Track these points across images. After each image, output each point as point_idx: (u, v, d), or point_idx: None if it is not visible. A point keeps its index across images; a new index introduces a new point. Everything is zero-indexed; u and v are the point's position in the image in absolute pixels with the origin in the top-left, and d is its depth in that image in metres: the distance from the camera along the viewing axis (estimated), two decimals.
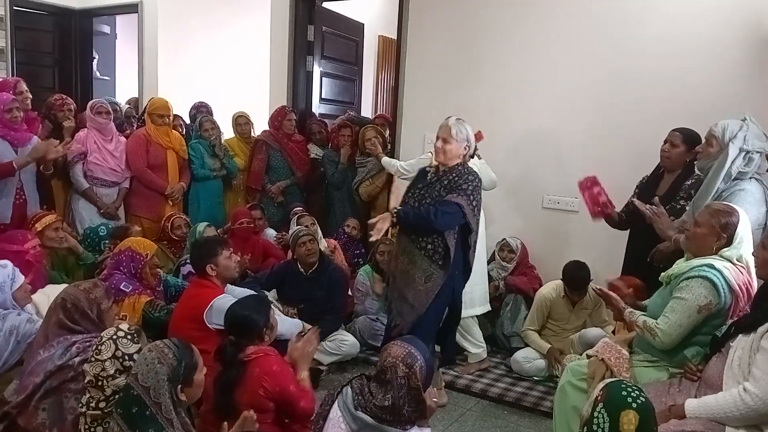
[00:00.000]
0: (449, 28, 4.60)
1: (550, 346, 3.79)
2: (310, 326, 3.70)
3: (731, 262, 2.41)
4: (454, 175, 3.04)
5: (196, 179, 4.96)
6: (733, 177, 2.76)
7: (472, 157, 3.16)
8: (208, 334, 2.96)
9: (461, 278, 3.21)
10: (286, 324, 3.35)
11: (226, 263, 3.17)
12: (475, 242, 3.18)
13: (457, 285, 3.20)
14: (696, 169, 3.09)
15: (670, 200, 3.20)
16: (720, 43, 3.71)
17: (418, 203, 3.09)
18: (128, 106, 5.92)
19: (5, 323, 2.70)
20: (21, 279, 2.88)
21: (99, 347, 2.11)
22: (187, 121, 5.62)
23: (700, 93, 3.72)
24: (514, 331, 4.11)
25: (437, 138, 3.08)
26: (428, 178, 3.15)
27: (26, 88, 4.22)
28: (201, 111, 5.48)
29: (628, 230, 3.52)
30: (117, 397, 2.04)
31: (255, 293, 3.32)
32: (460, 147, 3.04)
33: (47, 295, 2.91)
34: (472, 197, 2.99)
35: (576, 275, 3.71)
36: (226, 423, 2.21)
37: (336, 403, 2.20)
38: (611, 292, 2.74)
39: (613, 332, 3.44)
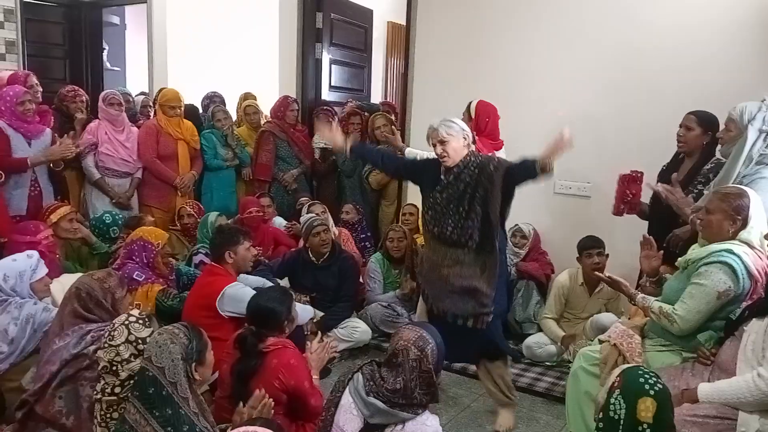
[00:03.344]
0: (459, 12, 4.56)
1: (564, 333, 3.79)
2: (322, 313, 3.75)
3: (750, 246, 2.38)
4: (473, 167, 2.92)
5: (209, 169, 4.99)
6: (754, 160, 2.69)
7: (474, 142, 3.08)
8: (221, 321, 3.00)
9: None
10: (297, 310, 3.37)
11: (245, 254, 3.21)
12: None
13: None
14: (716, 154, 3.04)
15: (687, 185, 3.14)
16: (734, 25, 3.66)
17: (443, 207, 2.97)
18: (144, 96, 5.95)
19: (22, 311, 2.74)
20: (43, 272, 2.91)
21: (112, 333, 2.14)
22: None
23: (714, 76, 3.68)
24: (526, 317, 4.11)
25: (434, 146, 2.99)
26: (443, 178, 3.01)
27: (36, 81, 4.25)
28: (214, 101, 5.50)
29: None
30: (132, 381, 2.07)
31: (280, 285, 3.37)
32: (459, 140, 2.94)
33: (63, 285, 2.93)
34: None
35: (589, 240, 3.75)
36: (241, 404, 2.24)
37: (347, 389, 2.20)
38: (620, 279, 2.73)
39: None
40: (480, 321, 2.97)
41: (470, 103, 3.88)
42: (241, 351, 2.48)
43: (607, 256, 3.72)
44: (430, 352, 2.15)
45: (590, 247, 3.74)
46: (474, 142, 3.09)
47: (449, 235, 2.98)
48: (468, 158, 2.96)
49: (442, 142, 2.94)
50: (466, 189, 2.92)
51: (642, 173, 3.24)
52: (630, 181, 3.24)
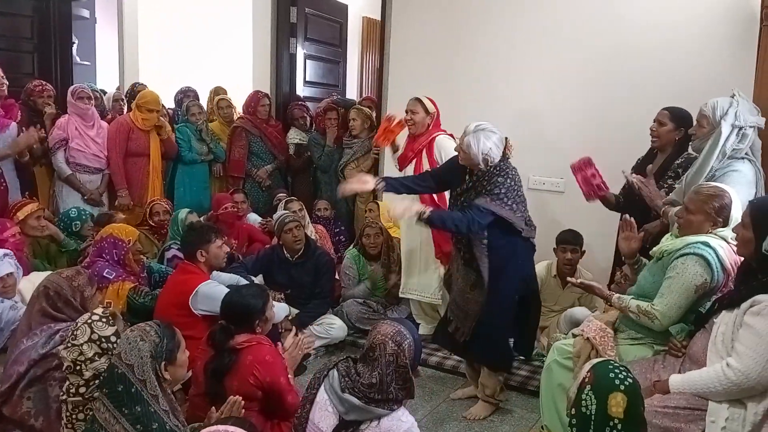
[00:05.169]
0: (434, 8, 4.56)
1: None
2: (297, 310, 3.72)
3: (726, 241, 2.41)
4: (485, 180, 2.98)
5: (183, 163, 4.94)
6: (728, 155, 2.74)
7: (507, 158, 3.06)
8: (194, 319, 2.97)
9: (526, 264, 3.15)
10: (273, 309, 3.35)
11: (217, 252, 3.18)
12: (532, 229, 3.12)
13: (526, 272, 3.16)
14: (689, 149, 3.09)
15: (659, 179, 3.17)
16: (708, 21, 3.70)
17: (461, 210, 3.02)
18: (117, 91, 5.87)
19: None
20: (3, 270, 2.86)
21: (75, 332, 2.11)
22: (170, 106, 5.58)
23: (689, 71, 3.72)
24: None
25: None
26: (466, 179, 3.09)
27: (2, 75, 4.15)
28: (188, 96, 5.48)
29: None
30: (96, 381, 2.03)
31: (255, 283, 3.34)
32: (472, 158, 2.96)
33: (32, 283, 2.88)
34: (506, 198, 2.93)
35: (567, 233, 3.75)
36: (213, 408, 2.21)
37: (322, 386, 2.19)
38: (594, 283, 2.75)
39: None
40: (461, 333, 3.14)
41: (418, 99, 3.85)
42: (213, 348, 2.46)
43: (584, 252, 3.75)
44: (407, 347, 2.15)
45: (565, 242, 3.76)
46: (506, 157, 3.06)
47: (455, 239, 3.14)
48: (488, 168, 2.98)
49: (463, 150, 2.98)
50: (477, 197, 2.96)
51: (589, 157, 3.35)
52: (585, 166, 3.34)
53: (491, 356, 3.16)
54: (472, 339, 3.12)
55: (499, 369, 3.23)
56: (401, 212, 2.96)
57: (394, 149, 4.04)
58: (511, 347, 3.25)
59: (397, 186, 3.27)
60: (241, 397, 2.21)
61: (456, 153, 3.12)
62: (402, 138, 4.07)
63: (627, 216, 2.87)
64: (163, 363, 1.93)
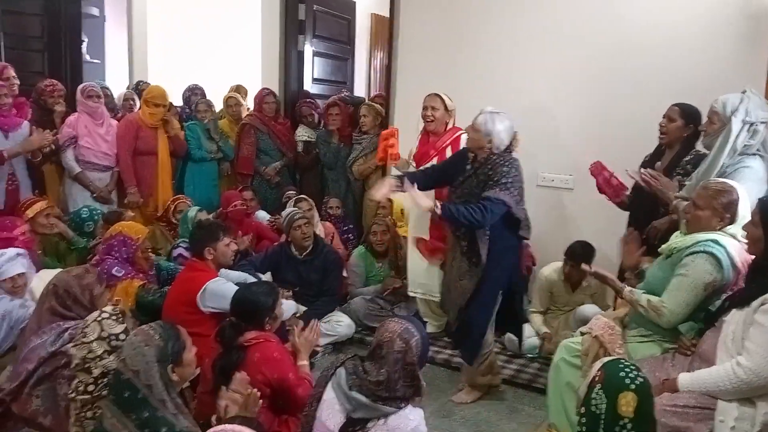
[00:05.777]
0: (442, 4, 4.55)
1: (546, 330, 3.78)
2: (305, 308, 3.73)
3: (735, 239, 2.39)
4: (488, 167, 3.01)
5: (192, 160, 4.95)
6: (738, 151, 2.72)
7: (510, 151, 3.09)
8: (202, 317, 2.97)
9: (515, 261, 3.21)
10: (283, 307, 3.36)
11: (225, 250, 3.19)
12: (528, 228, 3.16)
13: (514, 274, 3.19)
14: (697, 145, 3.07)
15: (667, 176, 3.15)
16: (715, 19, 3.68)
17: (457, 197, 3.08)
18: (127, 90, 5.90)
19: None
20: (13, 271, 2.88)
21: (84, 330, 2.11)
22: (178, 104, 5.60)
23: (692, 68, 3.70)
24: None
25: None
26: (467, 167, 3.14)
27: (14, 74, 4.17)
28: (195, 93, 5.50)
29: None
30: (106, 379, 2.03)
31: (263, 280, 3.35)
32: (482, 139, 3.01)
33: (42, 281, 2.89)
34: (513, 189, 2.96)
35: (578, 250, 3.67)
36: (224, 387, 2.21)
37: (329, 384, 2.19)
38: (608, 273, 2.73)
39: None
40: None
41: (437, 95, 3.79)
42: (221, 344, 2.47)
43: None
44: (414, 344, 2.15)
45: (568, 255, 3.70)
46: (511, 149, 3.11)
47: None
48: (490, 157, 3.03)
49: (472, 127, 3.05)
50: (479, 185, 3.01)
51: (599, 161, 3.46)
52: (601, 169, 3.42)
53: (464, 344, 3.26)
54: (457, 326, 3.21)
55: (464, 358, 3.29)
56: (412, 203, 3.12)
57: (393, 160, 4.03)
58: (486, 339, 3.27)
59: (414, 178, 3.28)
60: (258, 391, 2.21)
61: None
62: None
63: (633, 231, 2.92)
64: (170, 366, 1.92)
